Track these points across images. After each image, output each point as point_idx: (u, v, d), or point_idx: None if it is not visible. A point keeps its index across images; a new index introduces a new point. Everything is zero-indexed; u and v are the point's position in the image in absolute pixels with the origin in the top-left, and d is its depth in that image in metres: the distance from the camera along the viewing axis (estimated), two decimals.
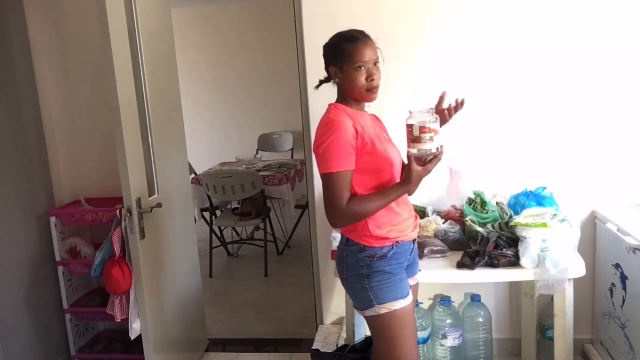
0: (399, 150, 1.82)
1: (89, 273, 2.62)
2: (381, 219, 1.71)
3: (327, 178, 1.64)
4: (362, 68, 1.67)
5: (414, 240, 1.83)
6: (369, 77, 1.68)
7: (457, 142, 2.54)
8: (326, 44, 1.76)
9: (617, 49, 2.40)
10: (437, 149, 1.61)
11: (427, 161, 1.62)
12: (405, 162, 1.81)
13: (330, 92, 1.82)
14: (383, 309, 1.70)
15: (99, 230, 2.91)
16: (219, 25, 6.05)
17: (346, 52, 1.68)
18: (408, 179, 1.63)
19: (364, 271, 1.71)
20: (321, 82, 1.83)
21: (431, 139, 1.59)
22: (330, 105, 1.76)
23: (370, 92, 1.70)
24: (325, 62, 1.76)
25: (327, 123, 1.67)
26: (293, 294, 3.78)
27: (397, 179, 1.79)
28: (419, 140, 1.60)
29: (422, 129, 1.59)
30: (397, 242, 1.73)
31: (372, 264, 1.71)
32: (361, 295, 1.73)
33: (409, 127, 1.61)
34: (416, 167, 1.61)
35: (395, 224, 1.73)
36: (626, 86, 2.42)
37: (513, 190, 2.42)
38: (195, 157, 4.63)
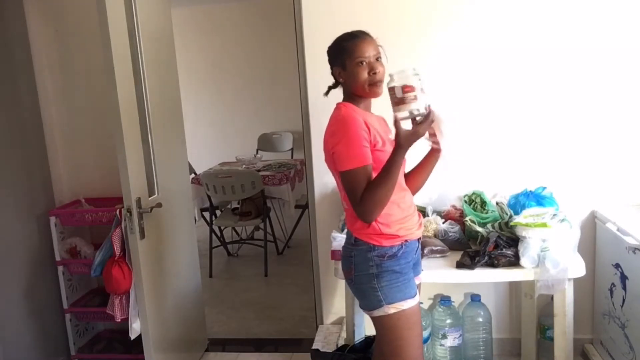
0: None
1: (89, 273, 2.62)
2: (389, 218, 1.70)
3: (345, 175, 1.63)
4: (364, 63, 1.68)
5: (418, 239, 1.83)
6: (371, 70, 1.68)
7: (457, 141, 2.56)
8: (328, 47, 1.78)
9: (617, 49, 2.40)
10: (425, 108, 1.52)
11: (418, 123, 1.53)
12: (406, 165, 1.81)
13: (332, 91, 1.82)
14: (392, 308, 1.69)
15: (99, 230, 2.91)
16: (219, 26, 6.05)
17: (346, 49, 1.70)
18: (398, 145, 1.55)
19: (373, 271, 1.70)
20: (330, 88, 1.84)
21: (415, 97, 1.50)
22: (338, 104, 1.76)
23: (374, 86, 1.69)
24: (330, 65, 1.78)
25: (340, 120, 1.67)
26: (293, 294, 3.78)
27: (402, 180, 1.79)
28: (404, 102, 1.50)
29: (404, 88, 1.49)
30: (406, 241, 1.73)
31: (382, 263, 1.70)
32: (370, 295, 1.72)
33: (391, 90, 1.53)
34: (404, 131, 1.53)
35: (402, 221, 1.73)
36: (625, 86, 2.42)
37: (513, 190, 2.42)
38: (195, 157, 4.63)
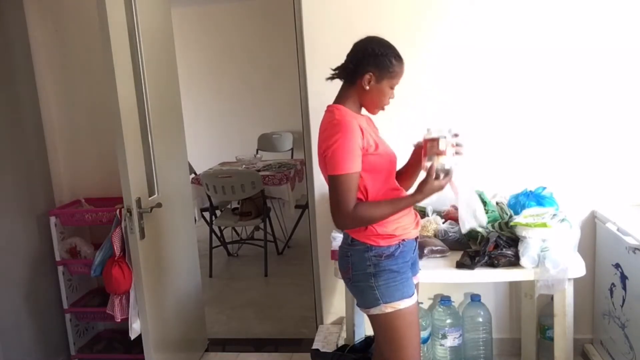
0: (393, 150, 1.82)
1: (89, 273, 2.62)
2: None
3: (334, 180, 1.63)
4: (393, 90, 1.73)
5: (416, 239, 1.83)
6: (390, 98, 1.75)
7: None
8: (374, 49, 1.69)
9: (617, 49, 2.40)
10: (451, 167, 1.65)
11: (442, 176, 1.62)
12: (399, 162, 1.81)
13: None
14: (389, 307, 1.69)
15: (99, 230, 2.91)
16: (219, 25, 6.05)
17: (394, 69, 1.69)
18: (422, 192, 1.63)
19: (371, 270, 1.70)
20: (335, 76, 1.77)
21: (454, 154, 1.64)
22: (331, 107, 1.73)
23: (380, 109, 1.76)
24: (362, 64, 1.69)
25: (335, 125, 1.64)
26: (293, 294, 3.78)
27: (396, 180, 1.79)
28: (444, 154, 1.62)
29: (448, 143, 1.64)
30: (403, 240, 1.73)
31: (380, 262, 1.70)
32: (367, 294, 1.72)
33: (433, 140, 1.63)
34: (433, 182, 1.61)
35: (399, 221, 1.73)
36: (625, 86, 2.42)
37: (513, 190, 2.42)
38: (195, 157, 4.62)
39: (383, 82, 1.69)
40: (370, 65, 1.68)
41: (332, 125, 1.65)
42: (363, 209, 1.64)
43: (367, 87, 1.69)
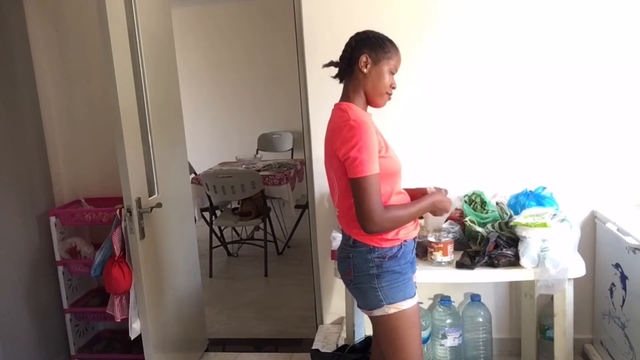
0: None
1: (89, 273, 2.62)
2: None
3: (362, 183, 1.58)
4: (393, 74, 1.71)
5: (414, 239, 1.83)
6: (392, 84, 1.72)
7: (457, 142, 2.56)
8: (366, 33, 1.72)
9: (617, 49, 2.40)
10: None
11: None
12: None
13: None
14: (392, 308, 1.68)
15: (99, 230, 2.91)
16: (219, 25, 6.06)
17: (389, 51, 1.69)
18: (434, 195, 1.77)
19: (374, 271, 1.69)
20: (333, 64, 1.77)
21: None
22: (342, 105, 1.70)
23: (385, 97, 1.73)
24: (356, 48, 1.69)
25: (354, 126, 1.60)
26: (293, 294, 3.78)
27: (399, 184, 1.78)
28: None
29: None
30: (405, 241, 1.73)
31: (382, 264, 1.69)
32: (370, 295, 1.71)
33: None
34: (444, 194, 1.81)
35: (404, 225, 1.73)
36: (625, 86, 2.42)
37: (513, 190, 2.42)
38: (195, 157, 4.63)
39: (381, 63, 1.68)
40: (364, 47, 1.69)
41: (349, 127, 1.61)
42: (394, 210, 1.65)
43: (365, 70, 1.68)
